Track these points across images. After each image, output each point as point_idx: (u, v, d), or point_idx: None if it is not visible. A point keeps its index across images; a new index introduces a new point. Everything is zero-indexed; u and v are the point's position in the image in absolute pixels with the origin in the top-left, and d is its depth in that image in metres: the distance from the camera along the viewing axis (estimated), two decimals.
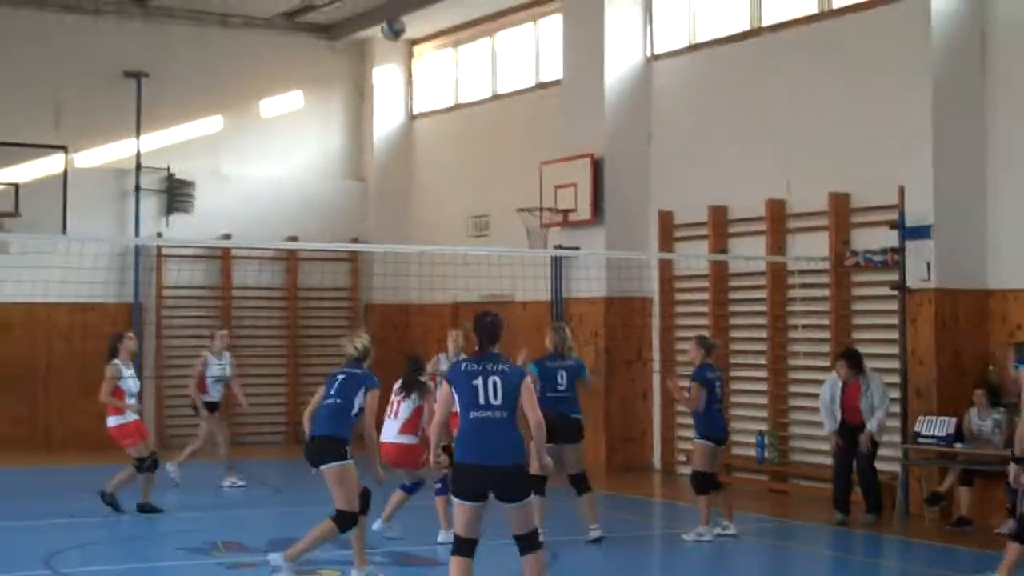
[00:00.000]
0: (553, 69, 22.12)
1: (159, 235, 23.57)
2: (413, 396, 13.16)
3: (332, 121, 25.90)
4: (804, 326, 17.41)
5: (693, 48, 19.93)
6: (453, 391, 9.26)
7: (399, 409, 13.15)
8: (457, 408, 9.28)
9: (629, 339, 20.14)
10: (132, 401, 15.40)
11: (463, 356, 15.61)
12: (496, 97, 23.91)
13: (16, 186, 22.14)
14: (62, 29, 23.63)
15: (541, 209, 20.76)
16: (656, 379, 19.92)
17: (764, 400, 18.29)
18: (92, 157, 23.81)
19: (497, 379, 9.17)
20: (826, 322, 17.32)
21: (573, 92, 21.01)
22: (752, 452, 18.26)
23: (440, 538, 12.97)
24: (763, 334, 18.24)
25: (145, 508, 15.25)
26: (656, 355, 20.01)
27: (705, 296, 19.18)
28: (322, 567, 11.83)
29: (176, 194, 24.06)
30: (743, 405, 18.69)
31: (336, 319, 24.55)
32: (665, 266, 19.85)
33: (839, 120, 17.37)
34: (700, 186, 19.24)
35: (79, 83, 23.62)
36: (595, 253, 19.68)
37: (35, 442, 22.79)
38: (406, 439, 13.10)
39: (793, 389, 18.07)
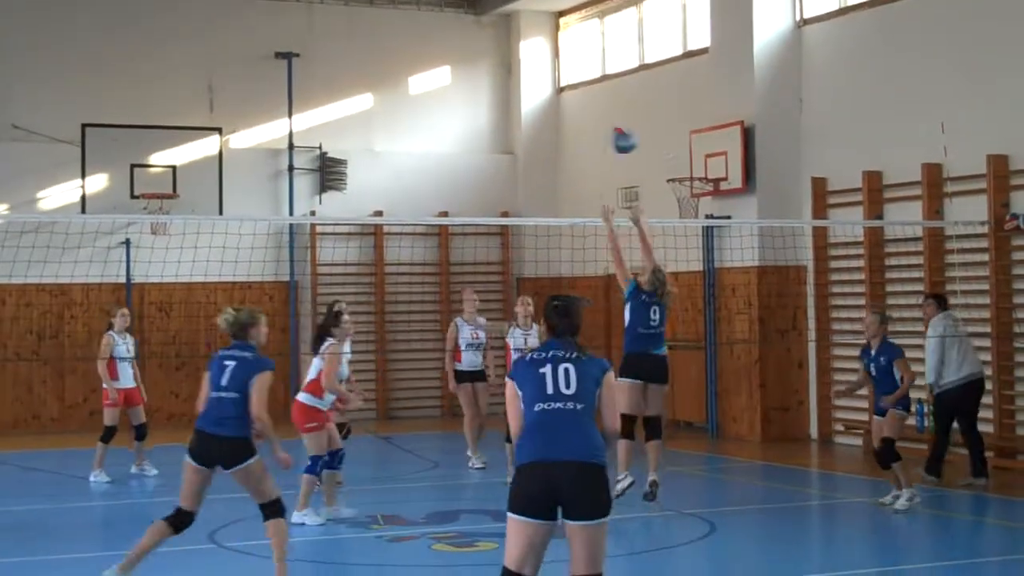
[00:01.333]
0: (701, 36, 21.92)
1: (312, 213, 23.88)
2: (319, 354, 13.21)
3: (480, 96, 25.98)
4: (963, 292, 17.06)
5: (843, 11, 19.60)
6: (516, 387, 7.45)
7: (309, 367, 13.36)
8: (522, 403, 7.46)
9: (784, 308, 19.93)
10: (124, 369, 16.54)
11: (535, 326, 15.84)
12: (644, 67, 23.77)
13: (174, 168, 22.67)
14: (214, 12, 24.05)
15: (692, 179, 20.62)
16: (812, 348, 19.69)
17: (924, 368, 17.97)
18: (246, 138, 24.20)
19: (571, 367, 7.36)
20: (986, 287, 16.95)
21: (722, 59, 20.81)
22: (912, 421, 17.96)
23: (294, 518, 12.68)
24: (920, 301, 17.91)
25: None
26: (811, 324, 19.78)
27: (861, 263, 18.89)
28: (479, 539, 11.92)
29: (328, 172, 24.36)
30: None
31: (489, 293, 24.65)
32: (819, 233, 19.58)
33: (996, 79, 16.97)
34: (853, 151, 18.94)
35: (232, 65, 24.02)
36: (747, 222, 19.50)
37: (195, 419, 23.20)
38: (303, 397, 13.32)
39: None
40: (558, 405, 7.19)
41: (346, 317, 13.92)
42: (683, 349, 21.34)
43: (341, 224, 23.95)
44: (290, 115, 24.22)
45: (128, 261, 22.83)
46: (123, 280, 22.91)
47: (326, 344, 13.50)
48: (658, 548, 12.17)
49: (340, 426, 14.48)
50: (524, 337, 15.76)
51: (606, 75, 24.79)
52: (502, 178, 25.67)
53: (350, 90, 24.90)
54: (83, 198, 22.36)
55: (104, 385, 16.68)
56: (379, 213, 23.43)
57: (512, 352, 15.65)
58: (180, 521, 10.01)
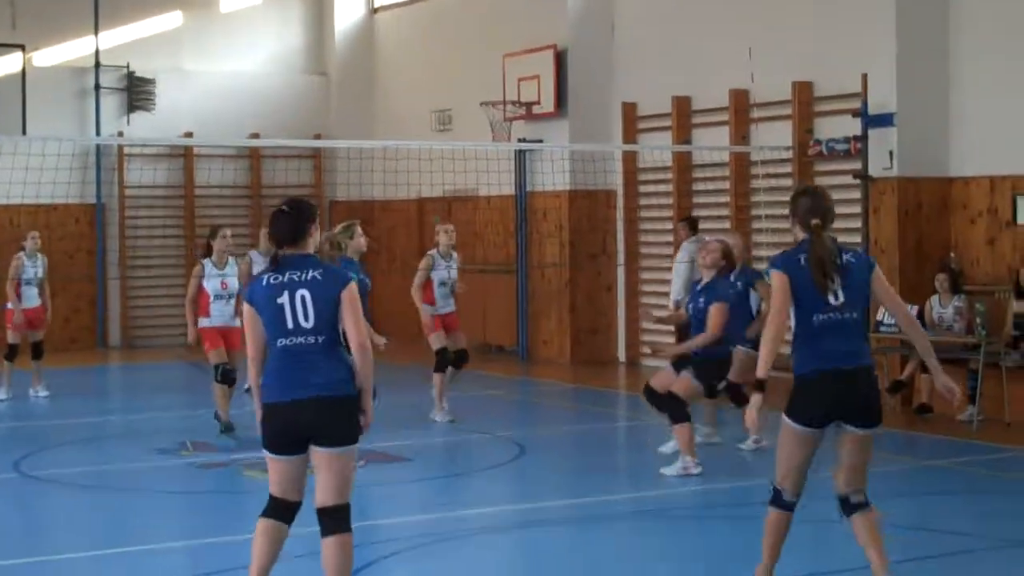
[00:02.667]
0: None
1: (120, 134, 23.35)
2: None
3: (292, 15, 25.62)
4: (768, 216, 17.45)
5: None
6: (256, 312, 7.03)
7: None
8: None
9: (594, 232, 20.19)
10: (29, 290, 16.79)
11: (454, 255, 14.95)
12: None
13: None
14: None
15: (504, 102, 20.68)
16: (621, 272, 19.99)
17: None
18: (50, 56, 23.53)
19: (307, 293, 6.95)
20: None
21: None
22: None
23: None
24: (727, 225, 18.28)
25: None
26: (620, 248, 20.06)
27: (669, 188, 19.20)
28: None
29: (136, 92, 23.84)
30: None
31: None
32: (629, 158, 19.83)
33: (802, 8, 17.31)
34: (663, 77, 19.17)
35: None
36: (559, 146, 19.64)
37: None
38: None
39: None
40: (299, 340, 6.90)
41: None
42: (494, 273, 21.50)
43: (149, 145, 23.49)
44: (96, 32, 23.61)
45: None
46: None
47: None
48: (470, 471, 12.32)
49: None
50: (447, 269, 14.69)
51: None
52: (315, 99, 25.42)
53: (159, 7, 24.34)
54: None
55: (9, 305, 16.78)
56: (189, 134, 23.01)
57: (435, 286, 14.64)
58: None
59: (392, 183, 18.98)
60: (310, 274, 6.95)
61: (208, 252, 13.84)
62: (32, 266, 16.93)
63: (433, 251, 14.94)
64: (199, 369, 19.31)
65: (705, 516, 10.48)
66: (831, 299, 7.30)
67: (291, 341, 6.91)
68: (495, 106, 20.71)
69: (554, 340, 20.59)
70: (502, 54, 20.88)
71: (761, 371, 7.30)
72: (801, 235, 7.48)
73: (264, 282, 7.00)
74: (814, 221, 7.42)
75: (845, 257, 7.40)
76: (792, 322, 7.36)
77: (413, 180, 19.69)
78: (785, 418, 7.36)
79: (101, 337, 23.53)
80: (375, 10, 25.64)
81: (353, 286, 7.06)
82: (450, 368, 14.77)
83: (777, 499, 7.43)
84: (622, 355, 20.23)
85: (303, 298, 6.90)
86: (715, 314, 11.48)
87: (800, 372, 7.35)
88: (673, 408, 11.49)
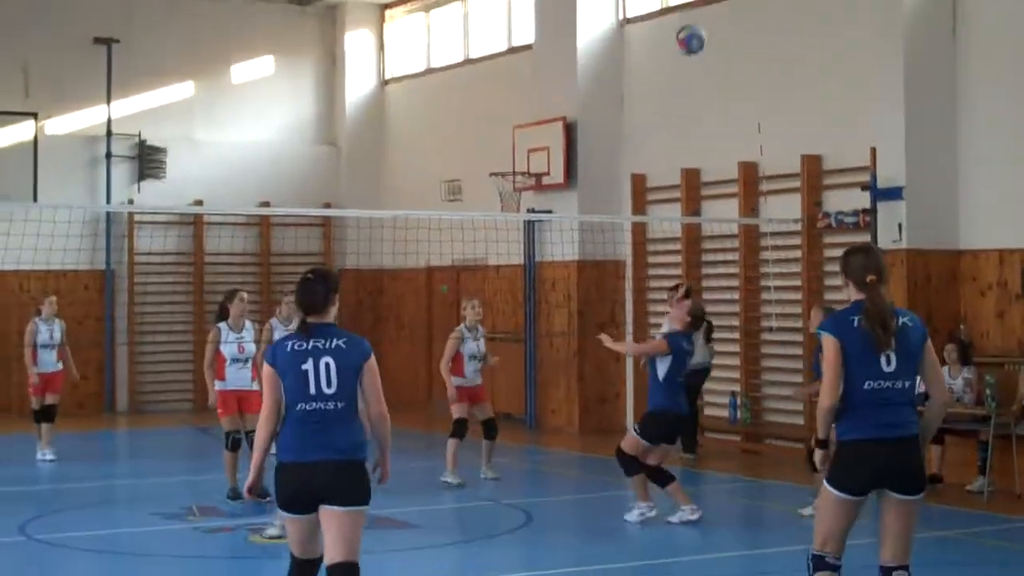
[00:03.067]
0: (525, 33, 22.08)
1: (130, 202, 23.47)
2: None
3: (304, 86, 25.82)
4: (776, 287, 17.49)
5: (665, 11, 19.92)
6: (278, 375, 7.21)
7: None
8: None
9: (602, 302, 20.20)
10: (45, 354, 17.00)
11: (480, 328, 15.24)
12: (468, 62, 23.87)
13: None
14: None
15: (514, 173, 20.78)
16: (629, 342, 19.97)
17: (736, 361, 18.38)
18: (63, 124, 23.69)
19: (331, 361, 7.14)
20: (798, 283, 17.40)
21: (545, 56, 20.99)
22: (725, 413, 18.38)
23: None
24: (736, 296, 18.32)
25: None
26: (629, 318, 20.07)
27: (678, 259, 19.23)
28: None
29: (148, 160, 23.97)
30: (715, 367, 18.77)
31: None
32: (638, 229, 19.89)
33: (811, 82, 17.41)
34: (673, 149, 19.27)
35: (49, 49, 23.48)
36: (568, 217, 19.69)
37: (9, 411, 22.72)
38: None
39: (765, 351, 18.17)
40: (319, 405, 7.10)
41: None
42: (503, 341, 21.48)
43: (160, 213, 23.59)
44: (109, 101, 23.78)
45: None
46: None
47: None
48: (476, 538, 12.26)
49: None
50: (476, 342, 15.00)
51: (431, 68, 24.83)
52: (325, 169, 25.55)
53: (171, 77, 24.54)
54: None
55: (29, 371, 17.08)
56: (199, 202, 23.15)
57: (465, 359, 14.92)
58: None
59: (401, 252, 19.06)
60: (334, 343, 7.16)
61: (224, 315, 13.86)
62: (48, 330, 17.10)
63: (461, 326, 15.22)
64: (206, 434, 19.32)
65: None
66: (884, 364, 7.09)
67: (312, 406, 7.09)
68: (505, 177, 20.81)
69: (562, 409, 20.55)
70: (512, 125, 21.00)
71: (821, 433, 7.24)
72: (855, 295, 7.26)
73: (289, 347, 7.18)
74: (870, 277, 7.19)
75: (902, 320, 7.19)
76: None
77: (422, 249, 19.74)
78: (826, 484, 7.23)
79: (109, 402, 23.52)
80: (386, 82, 25.82)
81: (373, 358, 7.25)
82: (484, 442, 15.21)
83: (820, 564, 7.24)
84: (631, 424, 20.15)
85: (327, 365, 7.10)
86: (657, 343, 12.54)
87: (845, 438, 7.19)
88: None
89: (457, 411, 14.99)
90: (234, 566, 10.97)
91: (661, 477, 12.51)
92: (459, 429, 14.96)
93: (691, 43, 14.98)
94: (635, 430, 12.58)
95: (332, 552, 7.05)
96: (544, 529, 12.61)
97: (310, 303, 7.25)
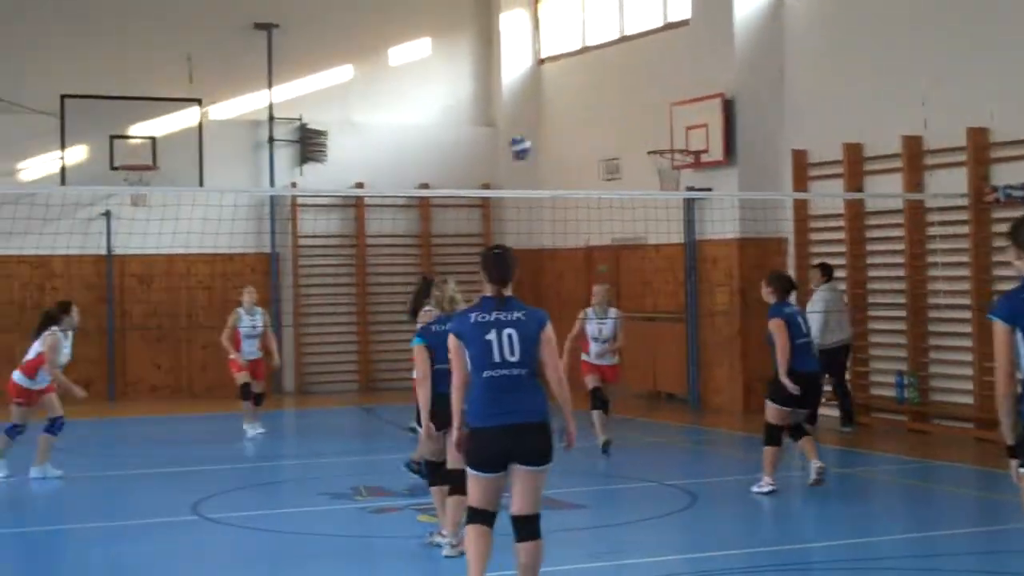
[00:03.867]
0: (681, 8, 21.89)
1: (293, 185, 23.83)
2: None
3: (460, 67, 25.93)
4: (943, 264, 17.14)
5: None
6: (463, 345, 7.91)
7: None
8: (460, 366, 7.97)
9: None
10: (248, 344, 17.68)
11: (610, 311, 15.90)
12: (624, 39, 23.75)
13: (153, 140, 22.61)
14: None
15: (672, 151, 20.64)
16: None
17: (903, 340, 18.06)
18: (226, 109, 24.13)
19: (514, 332, 7.83)
20: (966, 260, 17.03)
21: (702, 31, 20.80)
22: (891, 392, 18.09)
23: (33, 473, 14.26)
24: (901, 273, 18.00)
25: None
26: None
27: (841, 235, 18.94)
28: None
29: (309, 144, 24.31)
30: (882, 345, 18.50)
31: (470, 265, 24.59)
32: (800, 206, 19.62)
33: (977, 53, 17.00)
34: (834, 123, 18.96)
35: (211, 36, 23.93)
36: (728, 194, 19.52)
37: (178, 390, 23.30)
38: (16, 376, 14.37)
39: (932, 328, 17.82)
40: (504, 372, 7.79)
41: (75, 311, 14.73)
42: (664, 321, 21.41)
43: (322, 196, 23.92)
44: (270, 86, 24.16)
45: (108, 233, 22.79)
46: (104, 252, 22.87)
47: (48, 331, 14.32)
48: (640, 519, 12.23)
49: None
50: (599, 326, 15.74)
51: (586, 47, 24.76)
52: (483, 150, 25.64)
53: (330, 61, 24.84)
54: (63, 169, 22.25)
55: (231, 356, 17.61)
56: (360, 185, 23.41)
57: (590, 341, 15.71)
58: None
59: (561, 232, 19.05)
60: (514, 315, 7.88)
61: (415, 312, 13.78)
62: (251, 319, 17.66)
63: (588, 309, 16.02)
64: (371, 414, 19.56)
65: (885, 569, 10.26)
66: None
67: (497, 373, 7.80)
68: (663, 155, 20.69)
69: (726, 388, 20.38)
70: (669, 103, 20.85)
71: (1008, 439, 6.64)
72: None
73: (472, 319, 7.88)
74: None
75: None
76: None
77: (582, 229, 19.73)
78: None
79: (276, 383, 23.92)
80: (542, 61, 25.82)
81: (549, 327, 7.96)
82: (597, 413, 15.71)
83: None
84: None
85: (510, 336, 7.81)
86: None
87: None
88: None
89: (590, 382, 15.63)
90: (401, 546, 11.06)
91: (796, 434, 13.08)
92: (595, 399, 15.59)
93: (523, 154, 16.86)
94: (768, 397, 13.12)
95: (519, 505, 7.86)
96: (708, 510, 12.53)
97: (502, 275, 7.94)
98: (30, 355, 14.36)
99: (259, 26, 24.07)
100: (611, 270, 23.17)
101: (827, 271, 17.99)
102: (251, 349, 17.72)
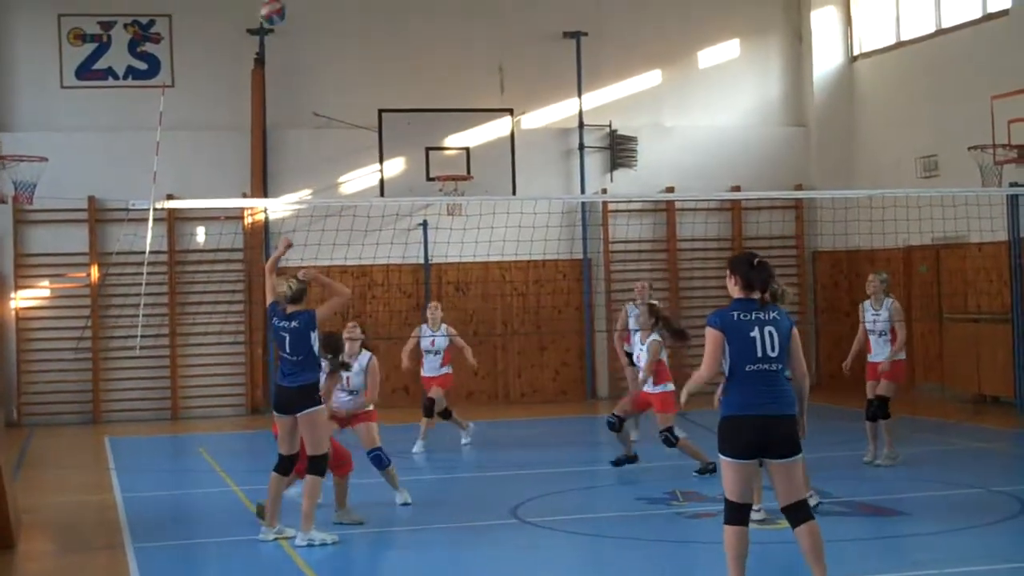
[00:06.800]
0: None
1: (604, 191, 23.97)
2: None
3: (770, 68, 25.65)
4: None
5: None
6: (725, 341, 8.46)
7: None
8: None
9: None
10: (428, 359, 17.61)
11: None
12: (940, 31, 23.08)
13: (467, 150, 23.08)
14: None
15: (994, 146, 19.93)
16: None
17: None
18: (536, 118, 24.45)
19: (773, 330, 8.43)
20: None
21: (1023, 21, 20.05)
22: None
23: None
24: None
25: None
26: None
27: None
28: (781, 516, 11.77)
29: (619, 150, 24.43)
30: None
31: (784, 267, 24.32)
32: None
33: None
34: None
35: (521, 47, 24.30)
36: None
37: (495, 396, 23.71)
38: None
39: None
40: (764, 367, 8.38)
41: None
42: (988, 322, 20.71)
43: (633, 201, 24.00)
44: (579, 94, 24.38)
45: (426, 242, 23.37)
46: (422, 261, 23.47)
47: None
48: (967, 526, 11.82)
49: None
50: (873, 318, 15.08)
51: (901, 41, 24.15)
52: (794, 150, 25.28)
53: (638, 67, 24.90)
54: (381, 182, 22.91)
55: (424, 372, 17.83)
56: (670, 189, 23.40)
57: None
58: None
59: (879, 232, 18.63)
60: (771, 315, 8.52)
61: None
62: (432, 335, 17.63)
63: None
64: (684, 418, 19.49)
65: None
66: None
67: (759, 367, 8.39)
68: (984, 150, 19.99)
69: None
70: (989, 95, 20.15)
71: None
72: None
73: (735, 317, 8.50)
74: None
75: None
76: None
77: (900, 229, 19.24)
78: None
79: (590, 388, 24.11)
80: (854, 58, 25.30)
81: (795, 327, 8.65)
82: None
83: None
84: None
85: (771, 333, 8.44)
86: None
87: None
88: None
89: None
90: (718, 552, 10.98)
91: None
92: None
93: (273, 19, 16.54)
94: None
95: (785, 496, 8.39)
96: None
97: (764, 283, 8.54)
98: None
99: (568, 35, 24.33)
100: (931, 270, 22.56)
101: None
102: (432, 365, 17.66)
